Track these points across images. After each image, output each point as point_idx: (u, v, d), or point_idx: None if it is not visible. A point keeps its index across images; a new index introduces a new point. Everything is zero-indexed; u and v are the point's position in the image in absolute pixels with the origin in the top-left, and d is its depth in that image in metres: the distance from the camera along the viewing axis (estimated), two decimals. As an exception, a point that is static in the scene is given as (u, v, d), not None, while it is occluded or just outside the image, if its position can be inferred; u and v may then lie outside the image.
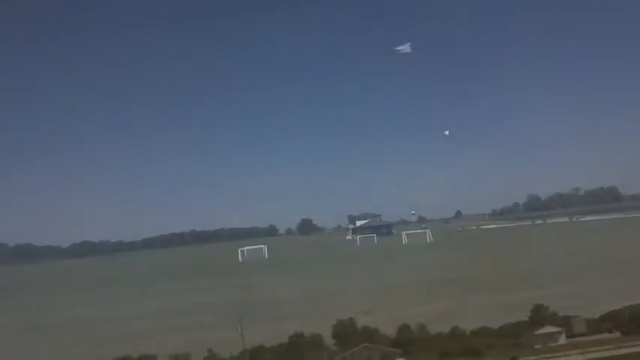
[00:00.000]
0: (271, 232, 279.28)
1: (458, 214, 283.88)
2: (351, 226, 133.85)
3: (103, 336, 13.21)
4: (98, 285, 36.81)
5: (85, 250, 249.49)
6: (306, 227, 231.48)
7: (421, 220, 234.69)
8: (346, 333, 19.19)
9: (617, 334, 21.77)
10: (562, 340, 21.01)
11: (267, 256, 54.45)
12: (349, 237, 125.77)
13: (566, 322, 21.88)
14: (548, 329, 20.83)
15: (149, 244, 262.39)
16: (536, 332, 20.84)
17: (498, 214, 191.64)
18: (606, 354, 18.56)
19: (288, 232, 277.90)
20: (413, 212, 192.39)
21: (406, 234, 64.99)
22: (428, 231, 67.22)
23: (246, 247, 63.53)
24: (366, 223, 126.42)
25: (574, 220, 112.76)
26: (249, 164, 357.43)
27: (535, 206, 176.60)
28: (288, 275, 28.47)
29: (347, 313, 13.15)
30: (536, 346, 20.69)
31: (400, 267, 27.32)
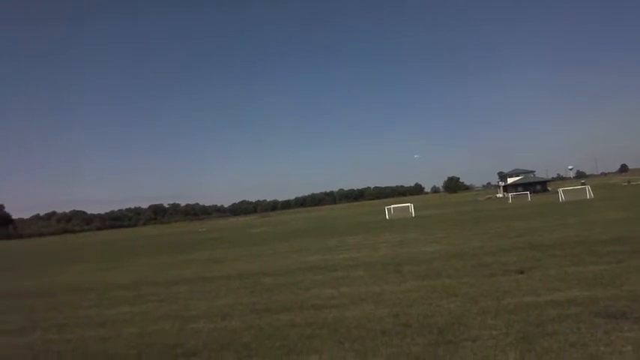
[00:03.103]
0: (417, 190, 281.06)
1: (623, 167, 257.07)
2: (502, 184, 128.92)
3: (264, 287, 14.57)
4: (255, 239, 40.22)
5: (245, 208, 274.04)
6: (453, 185, 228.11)
7: (580, 175, 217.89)
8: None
9: None
10: None
11: (413, 214, 54.82)
12: (500, 195, 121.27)
13: None
14: None
15: (301, 202, 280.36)
16: None
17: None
18: None
19: (434, 190, 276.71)
20: (570, 167, 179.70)
21: (563, 190, 60.74)
22: (588, 187, 62.12)
23: (392, 205, 64.55)
24: (518, 180, 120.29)
25: None
26: (395, 122, 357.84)
27: None
28: (437, 233, 28.45)
29: (500, 273, 12.86)
30: None
31: (558, 224, 25.73)
